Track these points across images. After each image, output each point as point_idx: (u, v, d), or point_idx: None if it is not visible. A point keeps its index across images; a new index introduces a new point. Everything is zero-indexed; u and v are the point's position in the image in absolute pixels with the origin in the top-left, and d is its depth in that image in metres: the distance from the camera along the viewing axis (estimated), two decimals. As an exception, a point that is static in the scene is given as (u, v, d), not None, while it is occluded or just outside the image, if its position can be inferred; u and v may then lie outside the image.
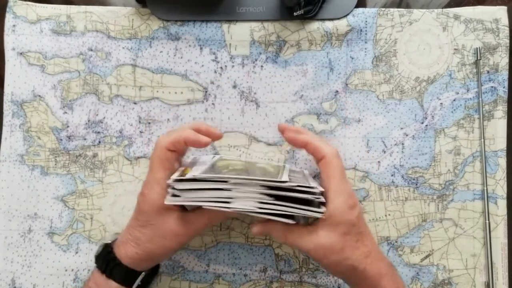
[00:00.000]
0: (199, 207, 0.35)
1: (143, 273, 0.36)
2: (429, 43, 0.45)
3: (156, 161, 0.35)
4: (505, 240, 0.43)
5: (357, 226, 0.33)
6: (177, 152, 0.36)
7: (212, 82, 0.45)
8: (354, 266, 0.33)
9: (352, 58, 0.45)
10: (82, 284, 0.43)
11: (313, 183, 0.34)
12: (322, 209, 0.33)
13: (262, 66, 0.45)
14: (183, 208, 0.36)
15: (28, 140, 0.44)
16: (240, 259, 0.44)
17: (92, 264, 0.43)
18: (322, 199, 0.33)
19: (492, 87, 0.45)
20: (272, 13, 0.45)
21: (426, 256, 0.44)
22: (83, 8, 0.45)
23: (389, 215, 0.44)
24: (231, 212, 0.32)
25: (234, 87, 0.45)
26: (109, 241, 0.38)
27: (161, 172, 0.34)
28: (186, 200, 0.32)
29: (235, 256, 0.44)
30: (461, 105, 0.45)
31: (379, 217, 0.44)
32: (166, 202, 0.33)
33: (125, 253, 0.35)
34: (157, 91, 0.45)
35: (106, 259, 0.36)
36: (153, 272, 0.40)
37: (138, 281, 0.36)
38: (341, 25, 0.45)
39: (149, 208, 0.34)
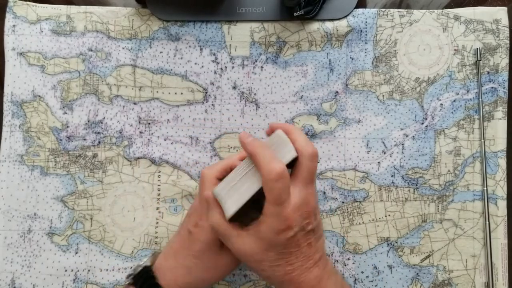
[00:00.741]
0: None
1: None
2: (429, 43, 0.45)
3: (207, 194, 0.34)
4: (505, 241, 0.43)
5: (282, 247, 0.32)
6: None
7: (212, 83, 0.45)
8: (271, 278, 0.33)
9: (352, 59, 0.45)
10: (82, 284, 0.43)
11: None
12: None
13: (262, 67, 0.45)
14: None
15: (28, 140, 0.44)
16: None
17: (92, 264, 0.43)
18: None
19: (492, 87, 0.45)
20: (272, 14, 0.45)
21: (426, 257, 0.44)
22: (83, 8, 0.45)
23: (389, 215, 0.44)
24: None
25: (234, 88, 0.45)
26: (149, 264, 0.37)
27: (215, 205, 0.34)
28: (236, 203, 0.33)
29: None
30: (461, 105, 0.45)
31: (379, 218, 0.44)
32: (228, 216, 0.33)
33: (174, 281, 0.35)
34: (157, 92, 0.45)
35: (148, 284, 0.35)
36: None
37: None
38: (341, 25, 0.45)
39: (203, 239, 0.34)
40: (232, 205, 0.33)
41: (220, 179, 0.35)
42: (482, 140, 0.44)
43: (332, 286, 0.33)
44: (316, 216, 0.34)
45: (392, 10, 0.45)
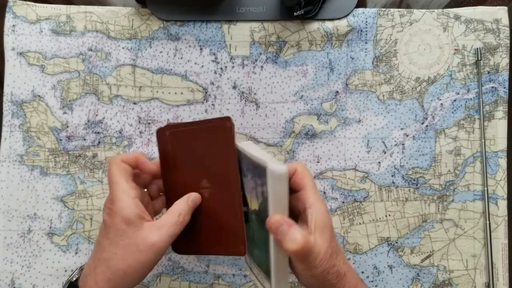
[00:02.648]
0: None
1: None
2: (429, 43, 0.45)
3: (115, 174, 0.33)
4: (506, 241, 0.43)
5: (334, 232, 0.33)
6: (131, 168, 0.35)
7: (212, 83, 0.45)
8: (340, 273, 0.31)
9: (353, 59, 0.45)
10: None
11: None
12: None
13: (262, 67, 0.45)
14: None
15: (28, 140, 0.44)
16: (240, 259, 0.44)
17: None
18: None
19: (492, 87, 0.44)
20: (272, 13, 0.45)
21: (427, 257, 0.44)
22: (83, 8, 0.45)
23: (389, 215, 0.44)
24: None
25: (234, 87, 0.45)
26: (73, 279, 0.34)
27: (124, 182, 0.33)
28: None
29: (235, 257, 0.44)
30: (461, 105, 0.45)
31: (380, 218, 0.44)
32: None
33: (95, 283, 0.31)
34: (157, 92, 0.45)
35: None
36: None
37: None
38: (341, 25, 0.45)
39: (118, 221, 0.31)
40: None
41: (125, 162, 0.34)
42: (483, 140, 0.44)
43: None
44: None
45: (392, 9, 0.45)
